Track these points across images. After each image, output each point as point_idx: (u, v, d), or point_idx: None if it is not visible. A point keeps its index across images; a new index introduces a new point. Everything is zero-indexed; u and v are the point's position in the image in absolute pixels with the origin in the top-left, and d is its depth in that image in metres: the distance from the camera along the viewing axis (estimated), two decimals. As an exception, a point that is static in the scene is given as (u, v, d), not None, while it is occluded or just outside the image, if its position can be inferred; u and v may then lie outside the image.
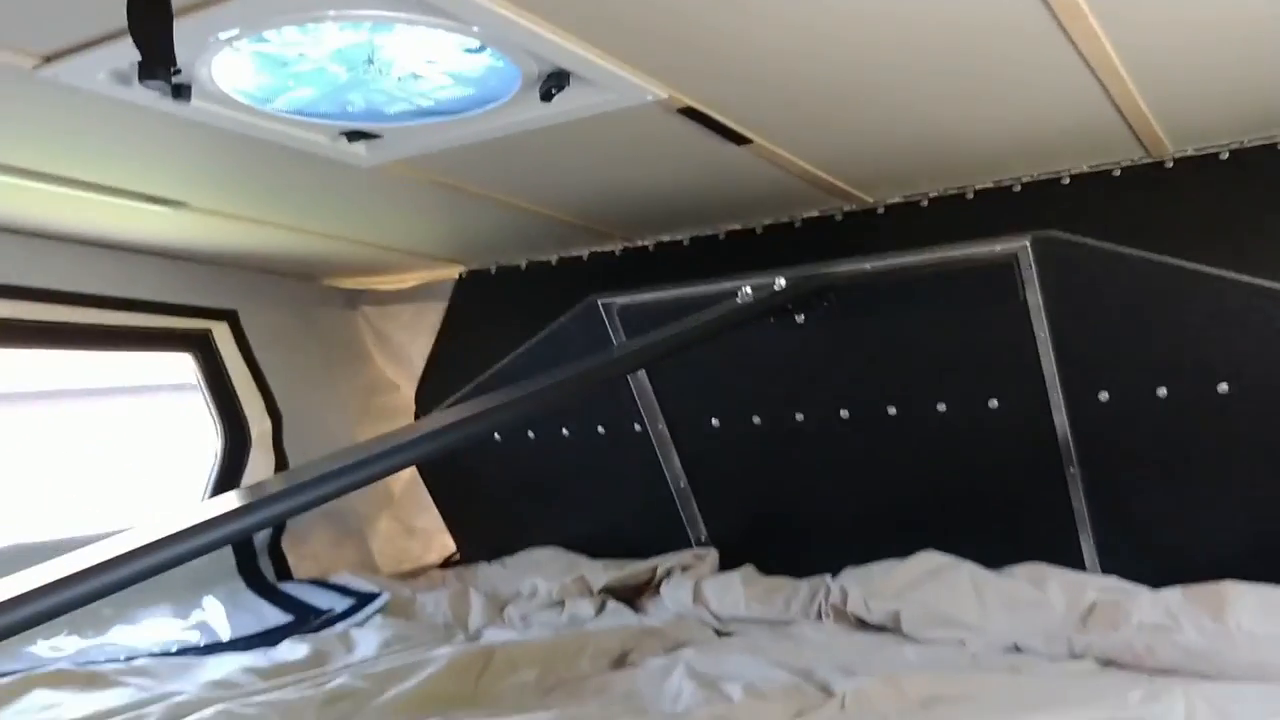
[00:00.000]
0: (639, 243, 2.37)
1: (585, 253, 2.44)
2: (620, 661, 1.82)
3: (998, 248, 1.75)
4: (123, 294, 2.23)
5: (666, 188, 1.98)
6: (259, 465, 2.49)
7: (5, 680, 1.69)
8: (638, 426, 2.27)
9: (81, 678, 1.71)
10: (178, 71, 1.13)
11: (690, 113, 1.52)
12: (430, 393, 2.64)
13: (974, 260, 1.78)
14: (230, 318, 2.47)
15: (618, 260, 2.40)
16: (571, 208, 2.12)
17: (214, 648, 1.99)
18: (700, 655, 1.75)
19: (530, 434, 2.39)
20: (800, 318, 1.95)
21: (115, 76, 1.25)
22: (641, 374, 2.19)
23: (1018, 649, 1.66)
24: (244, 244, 2.27)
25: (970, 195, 2.00)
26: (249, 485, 1.30)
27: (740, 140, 1.65)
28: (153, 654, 1.90)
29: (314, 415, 2.62)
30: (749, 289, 1.83)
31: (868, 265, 1.85)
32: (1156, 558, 1.83)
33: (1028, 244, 1.72)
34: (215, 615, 2.14)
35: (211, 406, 2.45)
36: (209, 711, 1.40)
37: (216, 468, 2.45)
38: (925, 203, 2.04)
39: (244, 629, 2.10)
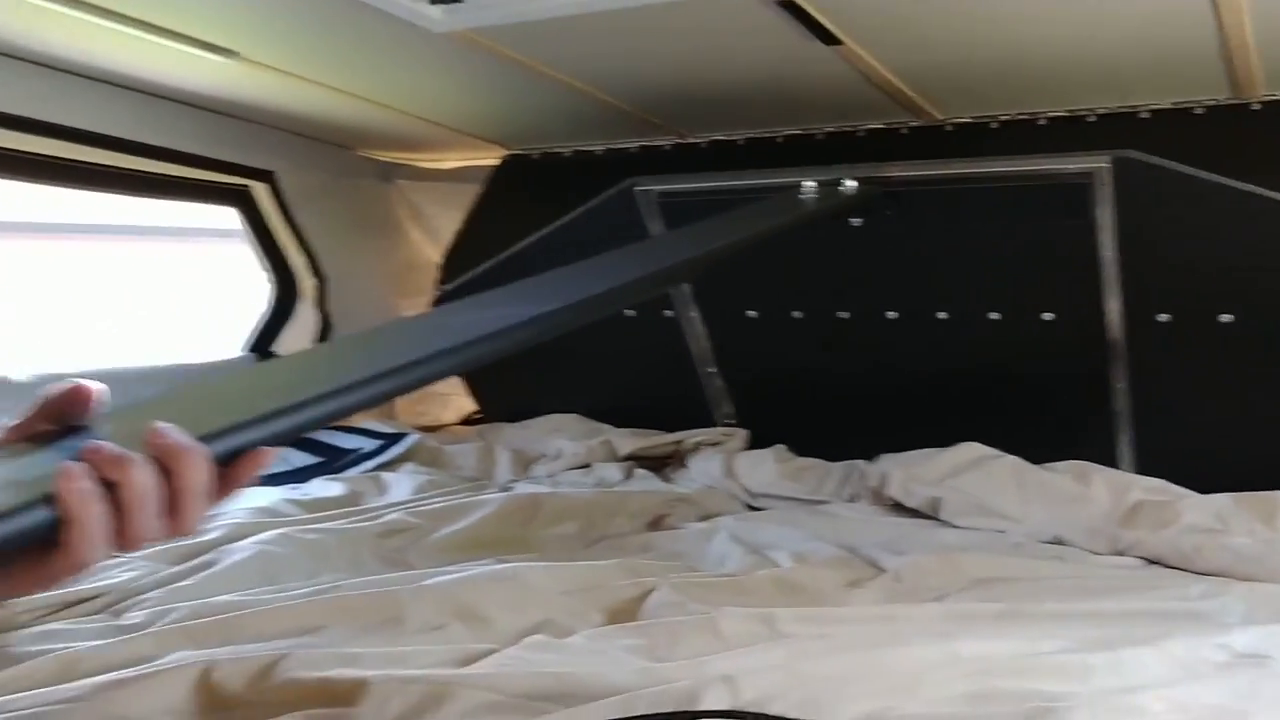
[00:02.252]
0: (692, 139, 2.31)
1: (635, 145, 2.37)
2: (656, 523, 1.83)
3: (1073, 166, 1.71)
4: (167, 144, 2.21)
5: (737, 83, 1.92)
6: (306, 320, 2.52)
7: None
8: (668, 313, 2.24)
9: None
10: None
11: (789, 6, 1.47)
12: (456, 264, 2.60)
13: (1049, 175, 1.75)
14: (268, 178, 2.45)
15: (668, 155, 2.34)
16: (633, 95, 2.05)
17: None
18: (739, 523, 1.76)
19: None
20: (858, 222, 1.91)
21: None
22: None
23: (1059, 542, 1.67)
24: (287, 103, 2.20)
25: (1043, 121, 1.96)
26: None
27: (830, 40, 1.60)
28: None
29: (355, 283, 2.63)
30: (812, 184, 1.77)
31: (941, 170, 1.81)
32: (1196, 476, 1.81)
33: (1107, 164, 1.67)
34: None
35: (261, 255, 2.48)
36: (270, 534, 1.38)
37: (267, 314, 2.50)
38: (995, 124, 2.01)
39: (274, 468, 2.08)
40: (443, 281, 2.61)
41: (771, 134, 2.21)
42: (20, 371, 2.10)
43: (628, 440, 2.24)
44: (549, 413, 2.48)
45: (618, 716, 0.82)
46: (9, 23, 1.69)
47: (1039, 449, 1.91)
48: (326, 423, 0.72)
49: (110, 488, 0.56)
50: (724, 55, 1.76)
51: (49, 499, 0.54)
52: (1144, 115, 1.87)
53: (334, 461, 2.10)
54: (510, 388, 2.60)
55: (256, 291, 2.59)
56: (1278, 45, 1.55)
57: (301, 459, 2.15)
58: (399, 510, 1.61)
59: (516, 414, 2.52)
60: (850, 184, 1.78)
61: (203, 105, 2.23)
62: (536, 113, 2.21)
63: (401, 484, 1.93)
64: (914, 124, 2.07)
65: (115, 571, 1.25)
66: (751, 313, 2.17)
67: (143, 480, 0.57)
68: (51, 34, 1.75)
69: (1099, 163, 1.68)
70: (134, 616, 1.10)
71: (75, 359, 2.37)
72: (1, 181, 2.08)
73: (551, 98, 2.05)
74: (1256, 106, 1.78)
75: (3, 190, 2.41)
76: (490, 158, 2.57)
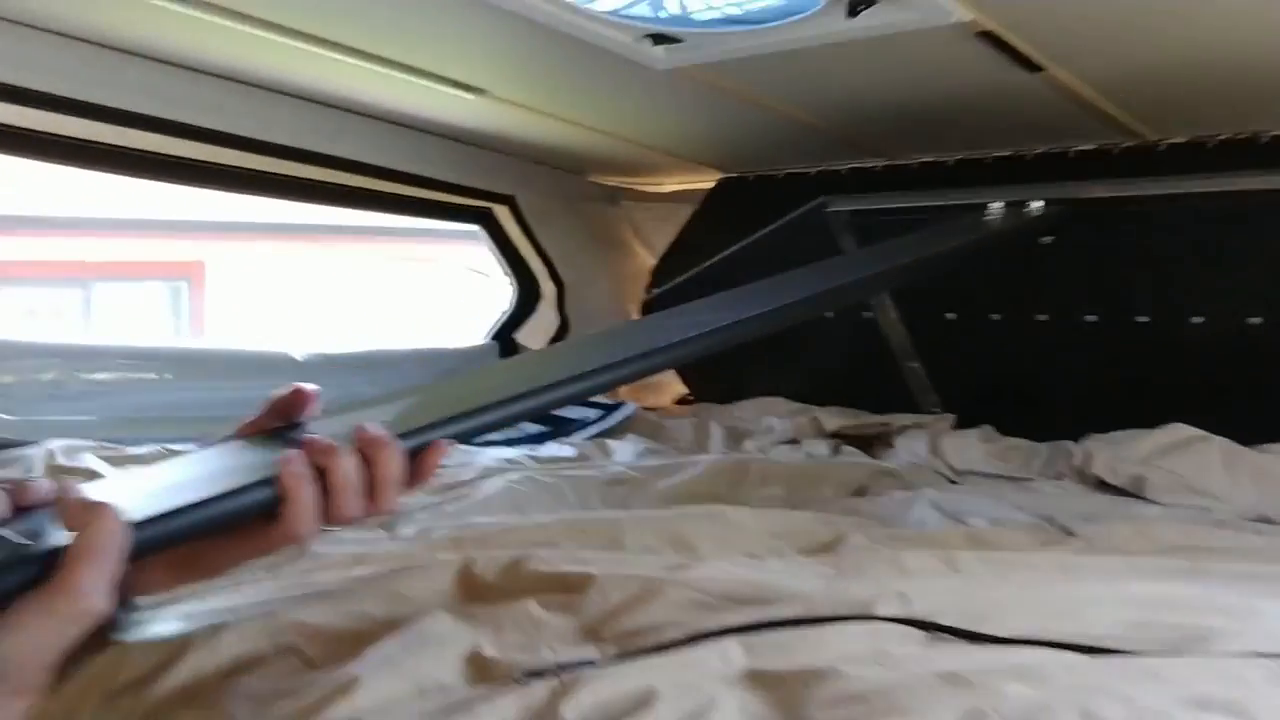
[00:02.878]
0: (901, 161, 2.40)
1: (845, 167, 2.49)
2: (859, 492, 1.93)
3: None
4: (419, 171, 2.54)
5: (945, 108, 2.01)
6: (546, 319, 2.85)
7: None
8: (867, 314, 2.34)
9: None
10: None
11: (988, 36, 1.54)
12: (664, 271, 2.84)
13: (1260, 191, 1.79)
14: (509, 202, 2.75)
15: (878, 176, 2.44)
16: (843, 120, 2.17)
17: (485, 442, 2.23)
18: (941, 494, 1.84)
19: None
20: (1048, 240, 1.95)
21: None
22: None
23: (1268, 521, 1.67)
24: (526, 134, 2.47)
25: (1265, 140, 1.93)
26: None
27: (1033, 68, 1.66)
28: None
29: (589, 289, 2.94)
30: (999, 206, 1.83)
31: (1126, 192, 1.88)
32: None
33: None
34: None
35: (504, 262, 2.82)
36: (516, 475, 1.60)
37: (508, 313, 2.85)
38: (1212, 144, 1.99)
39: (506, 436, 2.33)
40: (651, 286, 2.83)
41: (981, 155, 2.28)
42: (299, 350, 2.43)
43: (835, 418, 2.36)
44: (757, 396, 2.62)
45: (801, 614, 0.96)
46: (289, 65, 2.00)
47: (1255, 430, 1.89)
48: (525, 417, 0.91)
49: (321, 473, 0.69)
50: (930, 83, 1.85)
51: (272, 481, 0.67)
52: None
53: (561, 430, 2.32)
54: (719, 375, 2.77)
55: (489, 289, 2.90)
56: None
57: (534, 428, 2.38)
58: (623, 466, 1.80)
59: (724, 398, 2.68)
60: (1036, 205, 1.84)
61: (451, 135, 2.53)
62: (750, 139, 2.38)
63: (624, 449, 2.13)
64: (1126, 144, 2.09)
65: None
66: (950, 315, 2.24)
67: (347, 467, 0.69)
68: (326, 76, 2.06)
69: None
70: (405, 531, 1.33)
71: (343, 341, 2.68)
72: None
73: (764, 124, 2.20)
74: None
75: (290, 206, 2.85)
76: (706, 181, 2.77)
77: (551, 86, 2.11)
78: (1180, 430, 1.91)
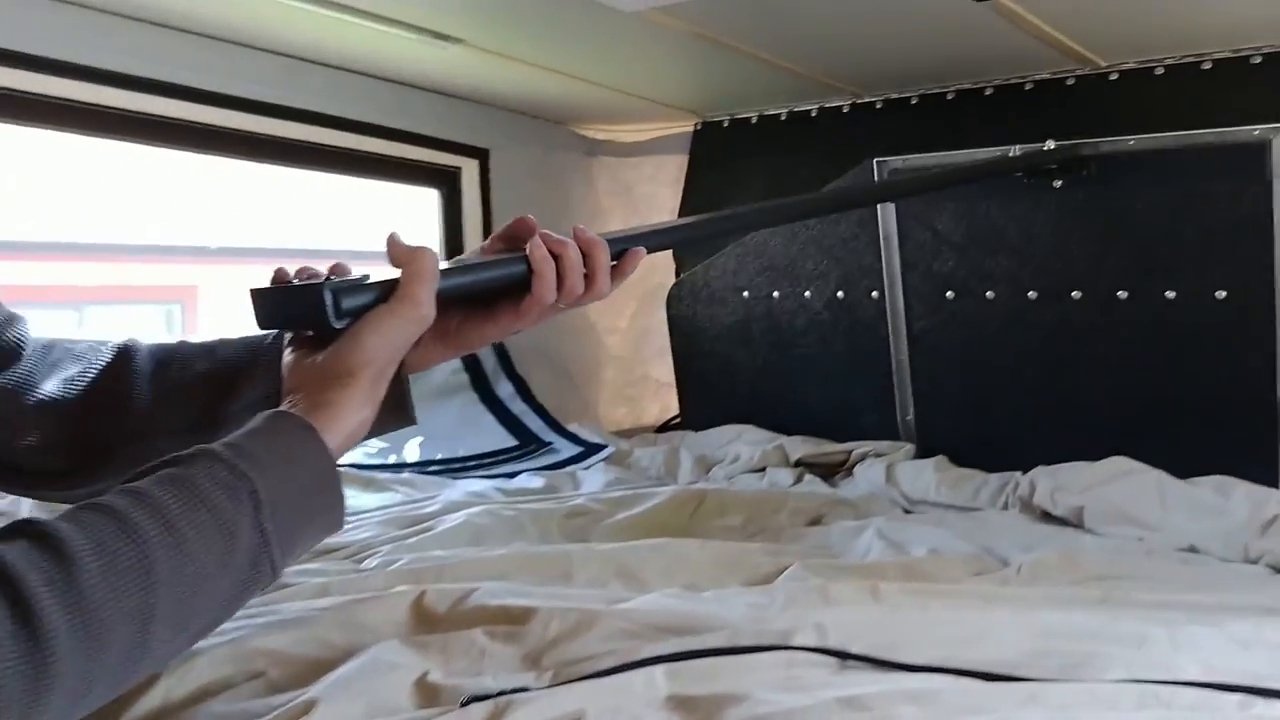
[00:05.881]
0: (868, 98, 2.53)
1: (814, 107, 2.61)
2: (815, 521, 2.02)
3: (1255, 131, 1.85)
4: (394, 124, 2.51)
5: (903, 44, 2.12)
6: None
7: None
8: (875, 294, 2.44)
9: (361, 480, 2.04)
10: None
11: None
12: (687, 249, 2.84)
13: (1230, 141, 1.89)
14: (482, 156, 2.74)
15: (845, 115, 2.57)
16: (807, 59, 2.28)
17: (458, 466, 2.31)
18: (889, 523, 1.92)
19: (775, 294, 2.61)
20: (1058, 183, 2.08)
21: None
22: (893, 238, 2.38)
23: (1194, 550, 1.76)
24: (503, 84, 2.52)
25: (1207, 65, 2.06)
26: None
27: None
28: (412, 467, 2.24)
29: None
30: (1017, 150, 2.03)
31: (1131, 142, 1.99)
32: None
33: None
34: (451, 428, 2.48)
35: (445, 246, 2.77)
36: (477, 508, 1.69)
37: None
38: (1160, 70, 2.11)
39: (476, 448, 2.42)
40: (679, 272, 2.84)
41: (942, 89, 2.41)
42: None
43: (800, 446, 2.44)
44: (746, 411, 2.70)
45: (723, 644, 1.05)
46: (249, 18, 1.99)
47: (1197, 458, 1.96)
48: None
49: (556, 259, 0.93)
50: (886, 17, 1.95)
51: (525, 258, 0.92)
52: None
53: (529, 449, 2.41)
54: (714, 387, 2.83)
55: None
56: None
57: (503, 438, 2.49)
58: (583, 498, 1.88)
59: (713, 416, 2.74)
60: (1051, 144, 2.03)
61: (428, 87, 2.54)
62: (724, 82, 2.48)
63: (593, 479, 2.21)
64: (1080, 72, 2.21)
65: (355, 531, 1.59)
66: (949, 293, 2.33)
67: (574, 254, 0.94)
68: (292, 26, 2.03)
69: (1274, 126, 1.81)
70: (370, 563, 1.42)
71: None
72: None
73: (735, 67, 2.30)
74: None
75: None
76: (685, 126, 2.86)
77: (526, 33, 2.15)
78: (1120, 463, 2.00)
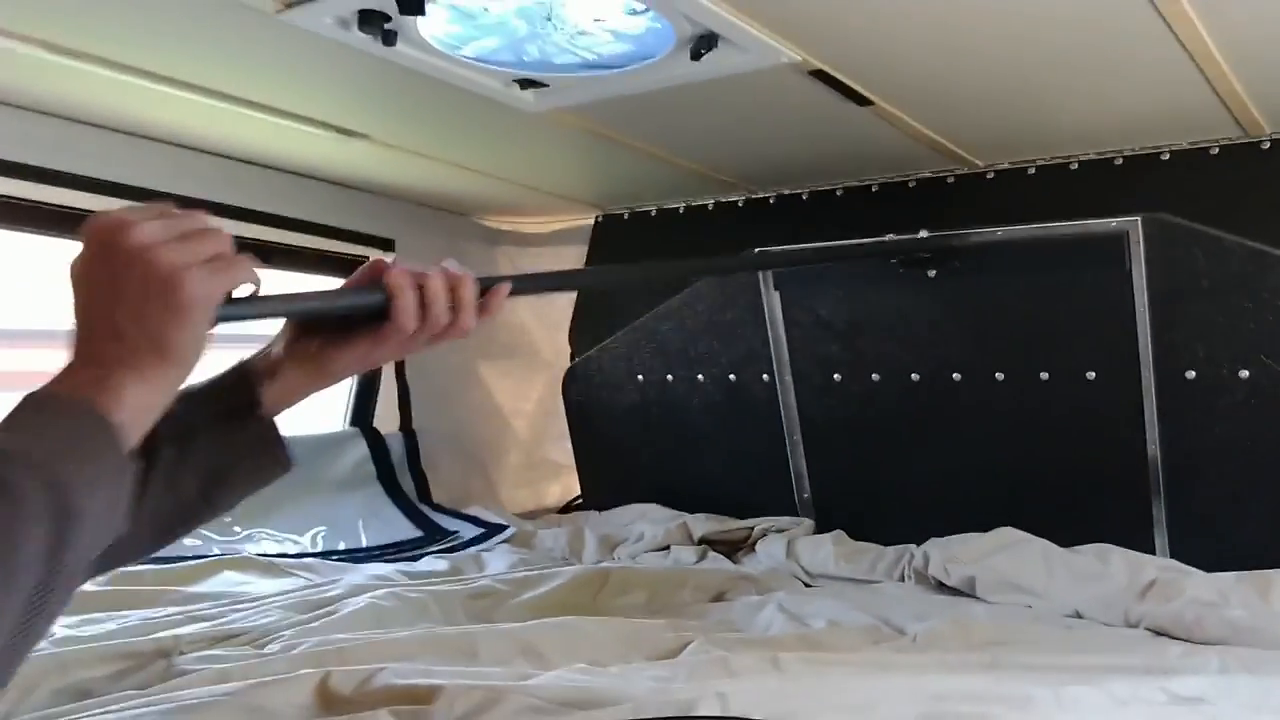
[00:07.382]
0: (760, 194, 2.64)
1: (710, 202, 2.72)
2: (718, 597, 2.05)
3: (1113, 223, 1.96)
4: (293, 214, 2.52)
5: (792, 144, 2.22)
6: (389, 392, 2.85)
7: (196, 562, 1.99)
8: (765, 377, 2.50)
9: (261, 564, 2.01)
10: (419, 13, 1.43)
11: (820, 75, 1.73)
12: (582, 333, 2.93)
13: (1091, 233, 2.00)
14: (388, 246, 2.78)
15: (740, 210, 2.68)
16: (703, 159, 2.39)
17: (362, 556, 2.29)
18: (790, 597, 1.97)
19: (669, 377, 2.65)
20: (932, 272, 2.18)
21: (339, 22, 1.51)
22: (779, 324, 2.44)
23: (1079, 615, 1.84)
24: (407, 177, 2.57)
25: (1075, 166, 2.22)
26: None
27: (863, 101, 1.86)
28: (314, 554, 2.21)
29: (436, 360, 2.90)
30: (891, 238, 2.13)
31: (999, 233, 2.09)
32: (1225, 548, 1.97)
33: (1139, 221, 1.93)
34: (355, 519, 2.46)
35: None
36: (381, 591, 1.68)
37: (353, 393, 2.79)
38: (1033, 170, 2.27)
39: (380, 538, 2.40)
40: (573, 356, 2.89)
41: (831, 186, 2.53)
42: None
43: (702, 525, 2.48)
44: (647, 491, 2.73)
45: (628, 716, 1.07)
46: (160, 110, 2.00)
47: (1080, 525, 2.07)
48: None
49: (420, 289, 0.92)
50: (774, 120, 2.05)
51: (381, 285, 0.92)
52: (1165, 156, 2.12)
53: (433, 540, 2.40)
54: (613, 468, 2.87)
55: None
56: (1264, 90, 1.76)
57: (408, 530, 2.48)
58: (488, 579, 1.89)
59: (614, 496, 2.77)
60: (924, 233, 2.10)
61: (334, 180, 2.58)
62: (624, 177, 2.56)
63: (497, 561, 2.21)
64: (960, 171, 2.36)
65: (256, 616, 1.56)
66: (836, 375, 2.40)
67: (437, 284, 0.93)
68: (191, 120, 2.06)
69: (1131, 220, 1.93)
70: (272, 648, 1.40)
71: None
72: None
73: (633, 163, 2.38)
74: (1266, 145, 2.01)
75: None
76: (585, 218, 2.94)
77: (430, 130, 2.19)
78: (1007, 534, 2.08)
